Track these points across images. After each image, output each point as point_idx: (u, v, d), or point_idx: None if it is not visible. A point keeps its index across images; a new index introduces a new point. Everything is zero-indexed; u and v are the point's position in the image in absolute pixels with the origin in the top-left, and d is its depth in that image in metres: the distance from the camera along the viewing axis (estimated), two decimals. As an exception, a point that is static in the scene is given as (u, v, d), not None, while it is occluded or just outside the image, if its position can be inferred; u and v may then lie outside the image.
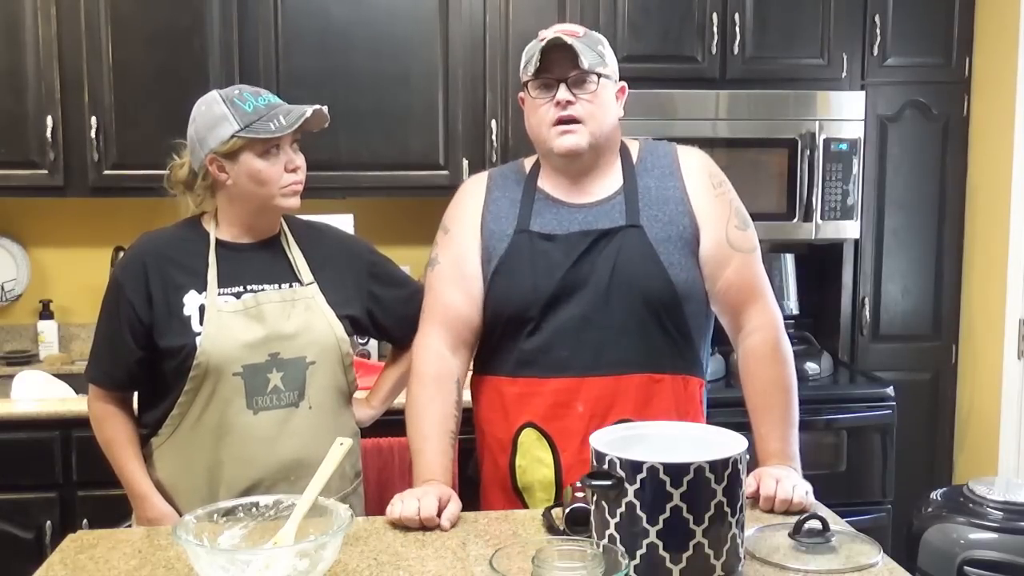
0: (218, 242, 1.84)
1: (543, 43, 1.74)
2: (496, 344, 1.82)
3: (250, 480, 1.78)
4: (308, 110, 1.76)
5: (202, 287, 1.79)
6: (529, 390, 1.77)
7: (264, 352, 1.79)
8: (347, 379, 1.90)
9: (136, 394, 1.90)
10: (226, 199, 1.83)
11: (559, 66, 1.74)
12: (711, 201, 1.82)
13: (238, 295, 1.80)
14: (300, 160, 1.83)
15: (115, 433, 1.85)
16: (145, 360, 1.81)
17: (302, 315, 1.83)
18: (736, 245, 1.81)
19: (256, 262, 1.85)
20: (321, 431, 1.80)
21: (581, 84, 1.75)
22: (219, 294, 1.79)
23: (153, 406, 1.84)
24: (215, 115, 1.76)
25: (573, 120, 1.75)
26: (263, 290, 1.82)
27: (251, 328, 1.78)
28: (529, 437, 1.78)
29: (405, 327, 1.95)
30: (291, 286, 1.85)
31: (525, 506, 1.81)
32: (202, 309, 1.78)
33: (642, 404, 1.74)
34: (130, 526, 1.87)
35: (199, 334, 1.76)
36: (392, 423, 2.05)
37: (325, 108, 1.80)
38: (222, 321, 1.77)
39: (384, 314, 1.97)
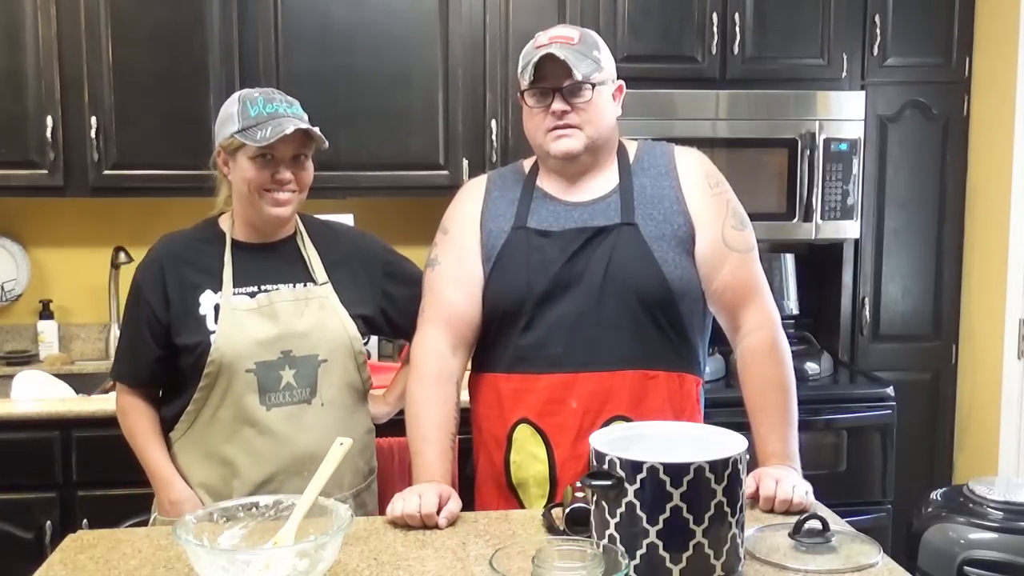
0: (234, 242, 1.89)
1: (537, 54, 1.75)
2: (492, 341, 1.83)
3: (264, 475, 1.82)
4: (289, 128, 1.78)
5: (218, 287, 1.85)
6: (523, 386, 1.78)
7: (276, 349, 1.83)
8: (361, 377, 1.94)
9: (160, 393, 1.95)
10: (233, 196, 1.89)
11: (553, 76, 1.76)
12: (707, 201, 1.82)
13: (252, 294, 1.85)
14: (296, 174, 1.84)
15: (137, 421, 1.91)
16: (165, 358, 1.87)
17: (315, 314, 1.87)
18: (732, 245, 1.81)
19: (271, 262, 1.89)
20: (335, 427, 1.83)
21: (576, 92, 1.76)
22: (234, 293, 1.84)
23: (171, 402, 1.90)
24: (227, 112, 1.84)
25: (569, 126, 1.77)
26: (277, 289, 1.87)
27: (264, 326, 1.83)
28: (524, 433, 1.79)
29: None
30: (305, 285, 1.89)
31: (519, 502, 1.82)
32: (217, 308, 1.83)
33: (636, 401, 1.75)
34: (146, 521, 1.91)
35: (213, 332, 1.81)
36: (392, 423, 2.06)
37: (316, 129, 1.83)
38: (236, 319, 1.82)
39: (399, 313, 2.00)
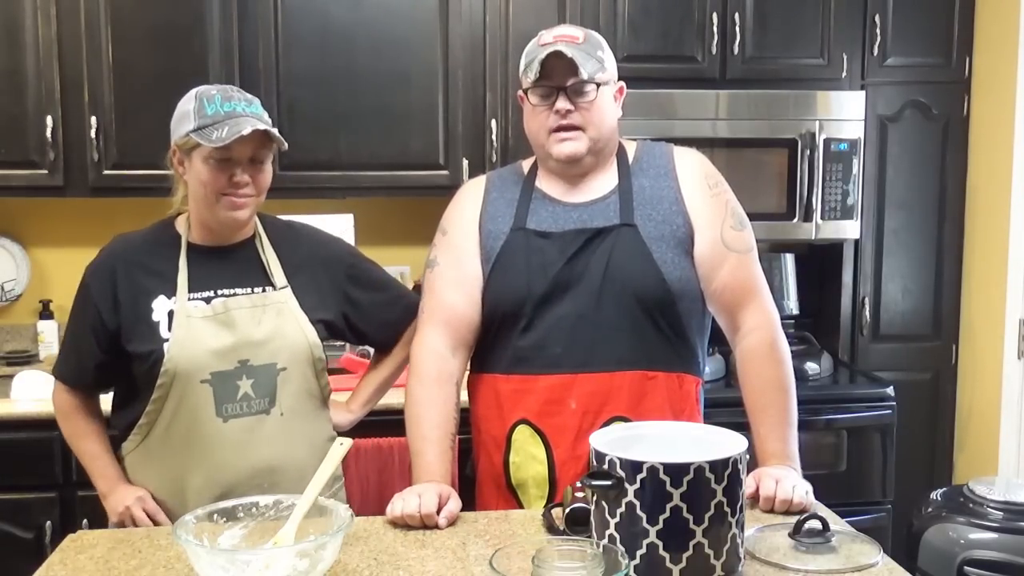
0: (189, 245, 1.82)
1: (543, 51, 1.75)
2: (492, 341, 1.83)
3: (221, 487, 1.75)
4: (246, 129, 1.69)
5: (172, 292, 1.78)
6: (523, 387, 1.78)
7: (233, 359, 1.76)
8: (319, 384, 1.88)
9: (112, 395, 1.89)
10: (189, 197, 1.82)
11: (559, 74, 1.75)
12: (706, 202, 1.82)
13: (208, 300, 1.78)
14: (254, 176, 1.76)
15: (81, 426, 1.88)
16: (109, 364, 1.81)
17: (273, 321, 1.80)
18: (731, 245, 1.81)
19: (228, 266, 1.82)
20: (294, 437, 1.79)
21: (580, 92, 1.76)
22: (189, 299, 1.77)
23: (122, 411, 1.84)
24: (183, 110, 1.76)
25: (572, 127, 1.77)
26: (234, 295, 1.80)
27: (219, 335, 1.76)
28: (523, 434, 1.78)
29: (385, 331, 1.94)
30: (264, 290, 1.82)
31: (519, 503, 1.82)
32: (171, 315, 1.76)
33: (635, 401, 1.75)
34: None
35: (167, 340, 1.74)
36: (392, 423, 2.05)
37: (275, 129, 1.75)
38: (191, 327, 1.75)
39: (361, 318, 1.95)
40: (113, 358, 1.80)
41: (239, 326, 1.78)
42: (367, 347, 3.13)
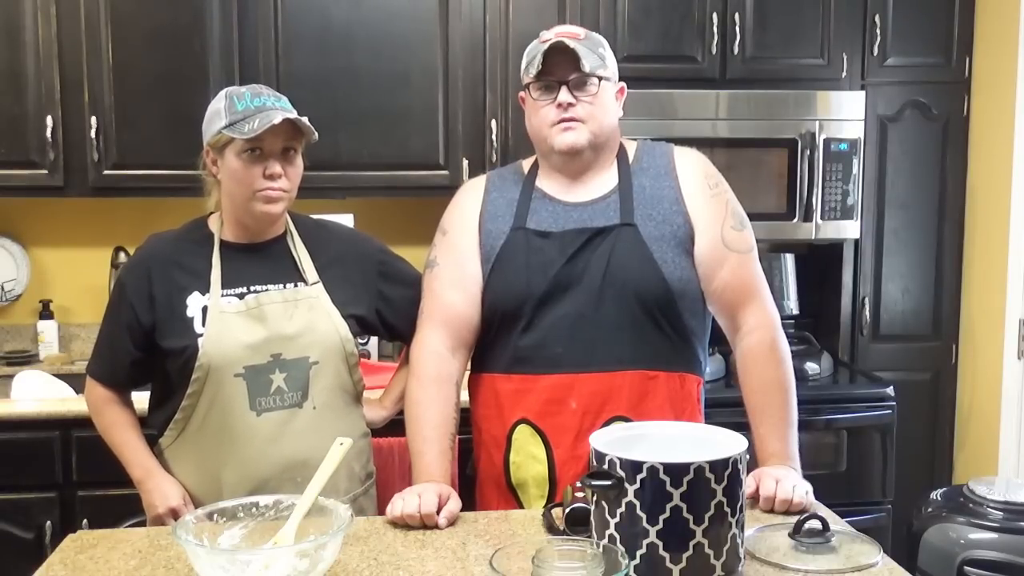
0: (222, 243, 1.85)
1: (545, 45, 1.75)
2: (492, 341, 1.83)
3: (254, 481, 1.78)
4: (277, 118, 1.72)
5: (205, 288, 1.81)
6: (523, 387, 1.78)
7: (266, 353, 1.79)
8: (352, 379, 1.90)
9: (148, 396, 1.92)
10: (222, 195, 1.85)
11: (560, 68, 1.76)
12: (706, 201, 1.82)
13: (241, 296, 1.82)
14: (286, 169, 1.79)
15: (114, 417, 1.89)
16: (144, 361, 1.84)
17: (305, 315, 1.83)
18: (732, 245, 1.81)
19: (260, 262, 1.85)
20: (326, 431, 1.80)
21: (582, 86, 1.77)
22: (222, 295, 1.81)
23: (159, 408, 1.87)
24: (215, 109, 1.79)
25: (574, 120, 1.77)
26: (266, 290, 1.83)
27: (252, 329, 1.79)
28: (523, 433, 1.79)
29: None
30: (296, 286, 1.85)
31: (519, 502, 1.82)
32: (205, 311, 1.79)
33: (636, 401, 1.75)
34: (141, 523, 1.88)
35: (201, 335, 1.77)
36: (392, 423, 2.05)
37: (305, 119, 1.77)
38: (224, 322, 1.78)
39: (394, 314, 1.97)
40: (147, 355, 1.84)
41: (271, 320, 1.80)
42: (366, 348, 3.15)
